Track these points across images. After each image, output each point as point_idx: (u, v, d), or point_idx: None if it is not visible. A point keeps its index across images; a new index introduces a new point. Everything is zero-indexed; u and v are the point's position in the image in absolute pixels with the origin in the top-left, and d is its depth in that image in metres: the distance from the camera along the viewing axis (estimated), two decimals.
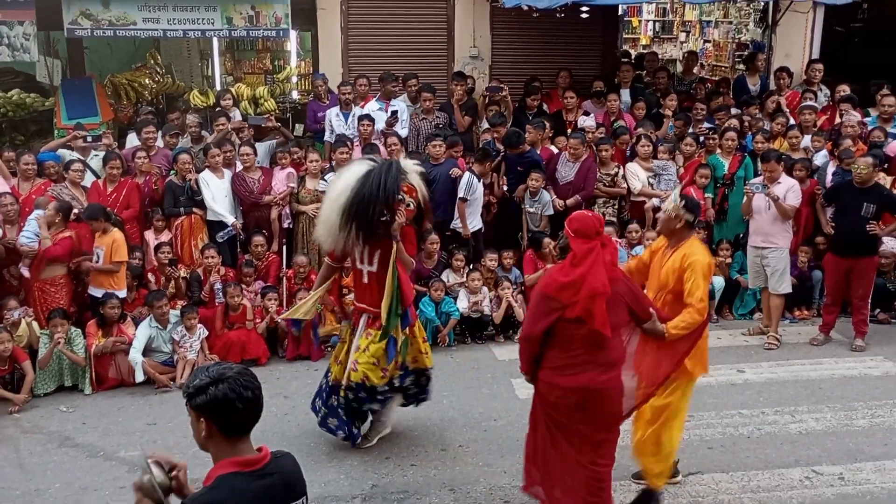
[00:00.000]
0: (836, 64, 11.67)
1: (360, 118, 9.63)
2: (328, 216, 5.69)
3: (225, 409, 2.63)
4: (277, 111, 11.53)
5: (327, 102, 10.40)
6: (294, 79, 13.23)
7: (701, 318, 5.02)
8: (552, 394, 4.69)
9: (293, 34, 12.58)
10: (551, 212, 9.13)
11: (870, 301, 8.32)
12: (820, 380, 7.50)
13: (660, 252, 5.36)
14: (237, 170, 9.08)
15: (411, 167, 5.93)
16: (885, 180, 8.75)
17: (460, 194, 8.91)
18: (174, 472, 2.72)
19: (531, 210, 9.20)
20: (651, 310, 4.87)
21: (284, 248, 9.10)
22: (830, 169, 9.23)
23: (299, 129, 11.33)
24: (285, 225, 9.21)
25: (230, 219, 8.85)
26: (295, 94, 13.08)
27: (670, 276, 5.16)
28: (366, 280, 5.91)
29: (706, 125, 10.02)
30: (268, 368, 7.97)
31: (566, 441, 4.71)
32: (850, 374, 7.64)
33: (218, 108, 10.06)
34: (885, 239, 8.43)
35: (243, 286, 8.38)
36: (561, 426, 4.72)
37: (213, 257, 8.39)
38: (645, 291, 5.24)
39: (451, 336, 8.46)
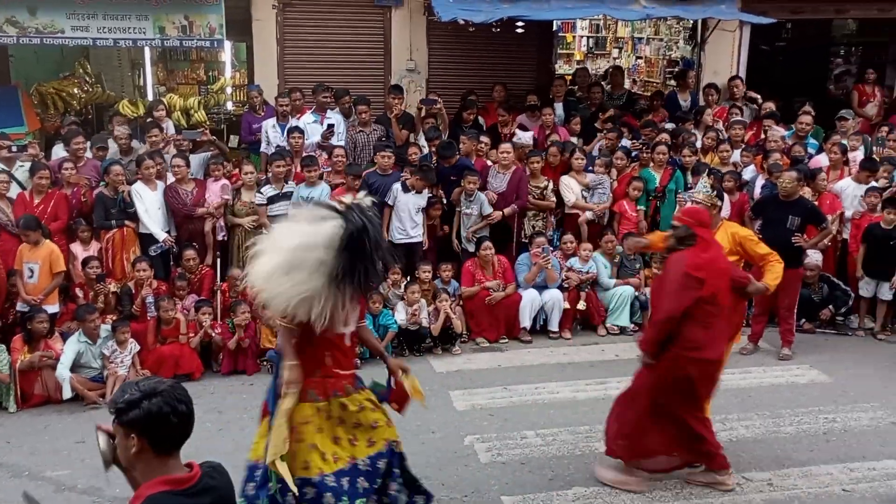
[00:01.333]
0: (763, 81, 12.05)
1: (290, 131, 9.57)
2: (302, 283, 4.36)
3: (158, 425, 2.56)
4: (209, 123, 11.38)
5: (262, 114, 10.30)
6: (228, 90, 13.08)
7: (781, 264, 6.37)
8: (690, 367, 5.40)
9: (228, 45, 12.46)
10: (490, 210, 9.21)
11: (795, 311, 8.57)
12: (749, 388, 7.68)
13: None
14: (170, 182, 8.92)
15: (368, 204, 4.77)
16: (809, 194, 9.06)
17: (386, 199, 8.95)
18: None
19: (468, 212, 9.26)
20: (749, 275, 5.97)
21: (219, 260, 8.97)
22: (759, 182, 9.51)
23: (234, 140, 11.20)
24: (220, 237, 9.08)
25: (161, 235, 8.68)
26: (229, 106, 12.93)
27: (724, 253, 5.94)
28: (348, 343, 4.83)
29: (638, 140, 10.23)
30: (201, 384, 7.82)
31: (682, 404, 5.52)
32: (777, 382, 7.85)
33: (150, 119, 9.88)
34: (809, 252, 8.70)
35: (176, 300, 8.23)
36: (683, 393, 5.48)
37: (144, 270, 8.21)
38: None
39: (388, 349, 8.42)
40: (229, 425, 6.90)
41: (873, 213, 8.95)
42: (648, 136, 10.18)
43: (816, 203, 8.89)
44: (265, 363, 8.07)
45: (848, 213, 9.30)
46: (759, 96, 11.29)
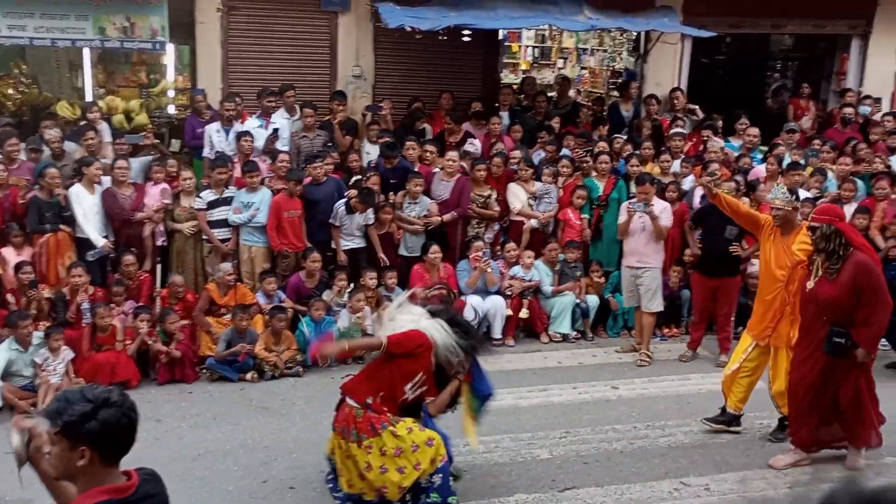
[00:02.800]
0: (703, 94, 12.30)
1: (240, 134, 9.46)
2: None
3: (112, 436, 2.49)
4: (151, 126, 11.17)
5: (206, 118, 10.16)
6: (171, 93, 12.85)
7: None
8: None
9: (170, 47, 12.24)
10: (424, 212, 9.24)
11: (733, 319, 8.74)
12: (688, 395, 7.81)
13: (774, 236, 6.45)
14: (108, 185, 8.72)
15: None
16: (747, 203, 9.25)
17: (333, 222, 8.92)
18: (31, 441, 2.60)
19: (410, 214, 9.26)
20: None
21: (159, 266, 8.80)
22: (698, 193, 9.68)
23: (176, 144, 11.01)
24: (159, 242, 8.91)
25: (100, 240, 8.48)
26: (171, 109, 12.70)
27: (801, 255, 6.23)
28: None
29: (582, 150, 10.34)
30: (138, 392, 7.62)
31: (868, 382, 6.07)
32: (715, 388, 7.93)
33: (84, 122, 9.66)
34: (753, 261, 8.88)
35: (113, 306, 8.04)
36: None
37: (80, 276, 8.01)
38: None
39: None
40: (167, 434, 6.76)
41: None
42: (583, 146, 10.30)
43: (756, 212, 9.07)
44: (205, 371, 7.94)
45: None
46: (698, 108, 11.52)
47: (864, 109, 12.05)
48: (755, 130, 10.59)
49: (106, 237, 8.59)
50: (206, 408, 7.35)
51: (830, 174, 9.86)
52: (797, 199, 6.42)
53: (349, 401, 5.30)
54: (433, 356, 5.35)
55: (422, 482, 5.17)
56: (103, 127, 9.80)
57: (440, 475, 5.19)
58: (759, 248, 6.81)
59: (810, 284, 6.03)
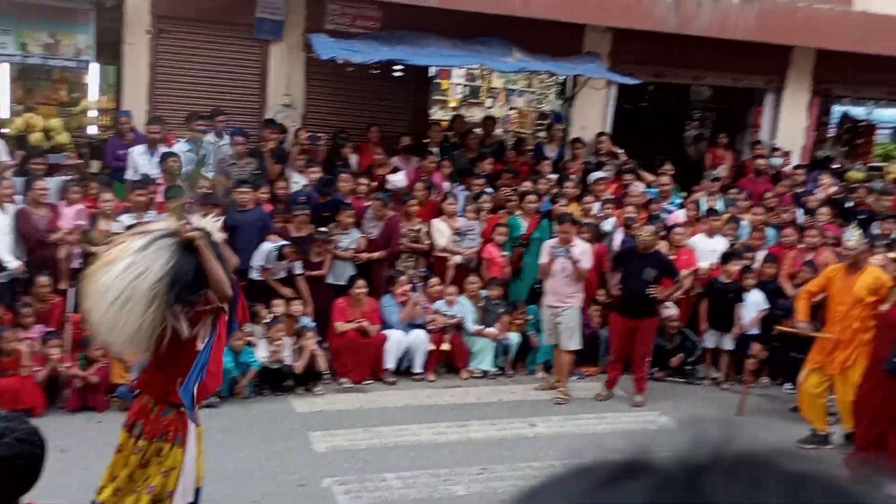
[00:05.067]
0: (627, 139, 12.66)
1: (166, 155, 9.30)
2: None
3: (9, 471, 2.34)
4: (72, 146, 10.87)
5: (129, 140, 9.96)
6: (93, 113, 12.55)
7: None
8: None
9: (95, 67, 11.98)
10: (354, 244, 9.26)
11: (649, 360, 8.94)
12: (603, 433, 7.94)
13: (840, 275, 7.25)
14: (21, 205, 8.46)
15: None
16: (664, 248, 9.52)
17: (262, 263, 8.83)
18: None
19: (341, 245, 9.24)
20: None
21: (74, 290, 8.52)
22: (619, 235, 9.93)
23: (95, 165, 10.75)
24: (75, 265, 8.64)
25: (13, 262, 8.20)
26: (93, 130, 12.41)
27: (865, 292, 7.00)
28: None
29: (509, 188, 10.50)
30: (44, 420, 7.34)
31: None
32: (630, 427, 8.14)
33: None
34: (668, 304, 9.14)
35: (19, 330, 7.75)
36: None
37: None
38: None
39: (250, 387, 8.22)
40: (74, 465, 6.52)
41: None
42: (506, 183, 10.46)
43: (674, 257, 9.35)
44: (116, 399, 7.71)
45: (705, 266, 9.81)
46: (622, 151, 11.84)
47: (776, 161, 12.59)
48: (666, 178, 10.96)
49: (19, 258, 8.30)
50: (115, 437, 7.10)
51: (744, 222, 10.24)
52: (869, 242, 7.17)
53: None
54: None
55: None
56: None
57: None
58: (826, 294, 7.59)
59: (885, 307, 6.79)
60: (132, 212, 8.67)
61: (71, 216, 8.60)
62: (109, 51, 10.88)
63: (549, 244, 8.85)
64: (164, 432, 4.76)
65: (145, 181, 8.96)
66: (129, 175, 9.60)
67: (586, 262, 8.68)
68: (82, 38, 9.66)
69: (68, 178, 9.25)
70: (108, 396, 7.77)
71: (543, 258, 8.77)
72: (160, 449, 4.75)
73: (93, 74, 12.16)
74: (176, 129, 10.25)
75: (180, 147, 9.79)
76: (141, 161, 9.58)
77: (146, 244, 4.52)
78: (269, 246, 8.84)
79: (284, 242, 8.84)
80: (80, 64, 10.04)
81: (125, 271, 4.41)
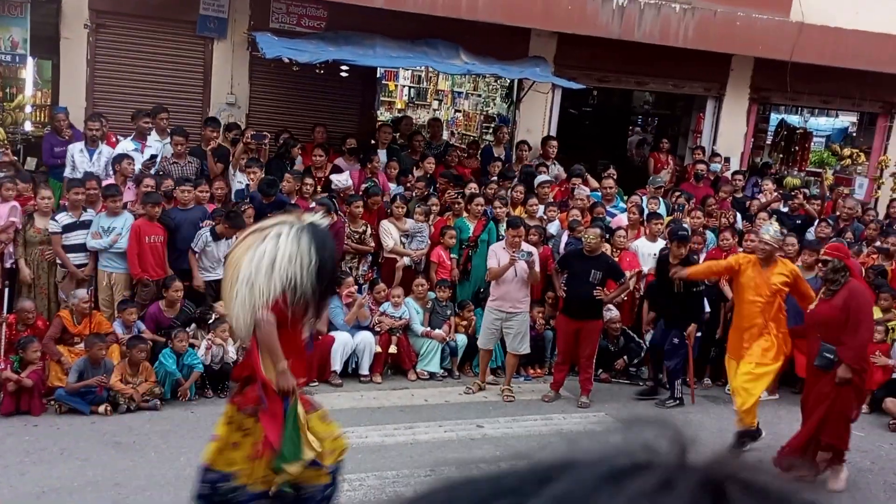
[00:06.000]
0: (571, 143, 12.81)
1: (121, 157, 9.07)
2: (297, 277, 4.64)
3: None
4: (6, 142, 10.56)
5: (67, 137, 9.69)
6: (28, 109, 12.21)
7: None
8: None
9: (31, 61, 11.65)
10: None
11: (594, 361, 9.03)
12: (549, 434, 7.97)
13: (752, 267, 7.37)
14: None
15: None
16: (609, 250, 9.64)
17: (198, 247, 8.73)
18: None
19: None
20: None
21: (7, 290, 8.26)
22: (564, 237, 10.01)
23: (31, 162, 10.44)
24: (8, 265, 8.37)
25: None
26: (28, 126, 12.06)
27: (779, 284, 7.26)
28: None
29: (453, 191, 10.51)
30: None
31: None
32: (576, 428, 8.20)
33: None
34: (610, 307, 9.24)
35: None
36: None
37: None
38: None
39: (192, 389, 8.06)
40: (7, 471, 6.31)
41: None
42: (445, 186, 10.49)
43: (617, 259, 9.47)
44: (53, 403, 7.48)
45: (644, 270, 9.95)
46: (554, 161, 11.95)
47: (715, 167, 12.87)
48: (610, 182, 11.11)
49: None
50: (52, 442, 6.91)
51: (686, 225, 10.41)
52: (785, 236, 7.24)
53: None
54: None
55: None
56: None
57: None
58: (732, 284, 7.92)
59: (811, 307, 7.00)
60: (69, 210, 8.43)
61: (4, 213, 8.31)
62: (46, 45, 10.59)
63: (497, 248, 8.86)
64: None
65: (81, 179, 8.70)
66: (68, 173, 9.35)
67: (537, 266, 8.74)
68: (17, 31, 9.39)
69: (2, 174, 8.96)
70: (44, 400, 7.53)
71: (493, 261, 8.75)
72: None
73: (28, 69, 11.85)
74: (116, 126, 10.00)
75: (126, 145, 9.56)
76: (80, 158, 9.33)
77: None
78: (202, 230, 8.72)
79: (214, 224, 8.73)
80: (14, 58, 9.74)
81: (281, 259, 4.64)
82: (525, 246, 8.69)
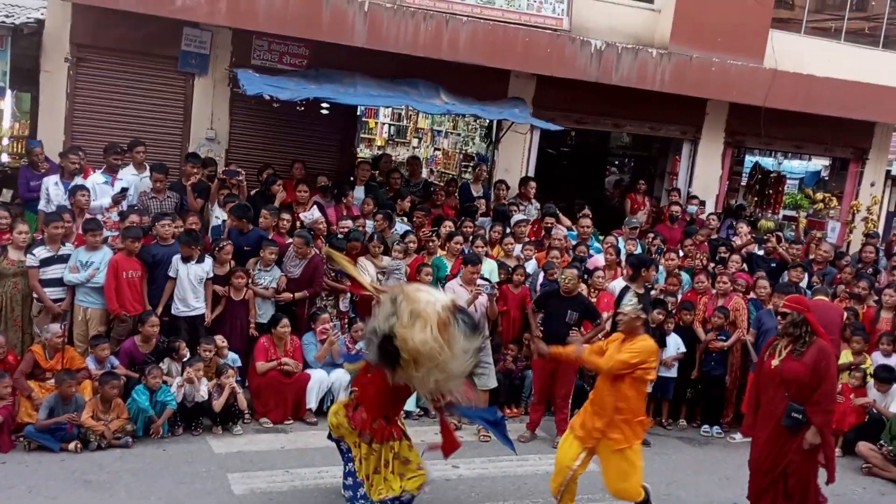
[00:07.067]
0: (548, 182, 12.92)
1: (76, 188, 9.05)
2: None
3: None
4: None
5: (43, 170, 9.65)
6: (5, 141, 12.17)
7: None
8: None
9: (9, 93, 11.62)
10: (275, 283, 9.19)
11: (570, 401, 9.02)
12: (525, 475, 7.94)
13: (613, 344, 6.63)
14: None
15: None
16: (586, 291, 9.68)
17: (169, 273, 8.72)
18: None
19: (261, 282, 9.09)
20: None
21: None
22: (540, 277, 10.05)
23: (7, 194, 10.37)
24: None
25: None
26: (5, 157, 12.01)
27: (623, 360, 6.41)
28: None
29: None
30: None
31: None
32: (552, 469, 8.14)
33: None
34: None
35: None
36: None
37: None
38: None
39: (165, 427, 7.96)
40: None
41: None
42: (421, 222, 10.55)
43: (595, 300, 9.51)
44: (22, 440, 7.36)
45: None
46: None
47: (691, 209, 13.03)
48: (587, 221, 11.19)
49: None
50: (20, 480, 6.79)
51: (661, 267, 10.51)
52: (643, 309, 6.65)
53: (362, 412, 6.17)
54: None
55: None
56: None
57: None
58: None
59: (775, 363, 6.67)
60: (47, 244, 8.36)
61: None
62: (25, 78, 10.58)
63: (453, 285, 8.97)
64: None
65: (59, 213, 8.65)
66: (42, 206, 9.31)
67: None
68: None
69: None
70: (13, 437, 7.40)
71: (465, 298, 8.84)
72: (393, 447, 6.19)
73: (7, 101, 11.83)
74: (94, 160, 9.98)
75: (96, 178, 9.52)
76: (54, 191, 9.29)
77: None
78: (175, 257, 8.72)
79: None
80: None
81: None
82: (480, 280, 8.79)
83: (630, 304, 6.63)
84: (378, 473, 6.19)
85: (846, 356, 9.71)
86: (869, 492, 8.40)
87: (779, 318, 7.14)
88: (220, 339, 8.62)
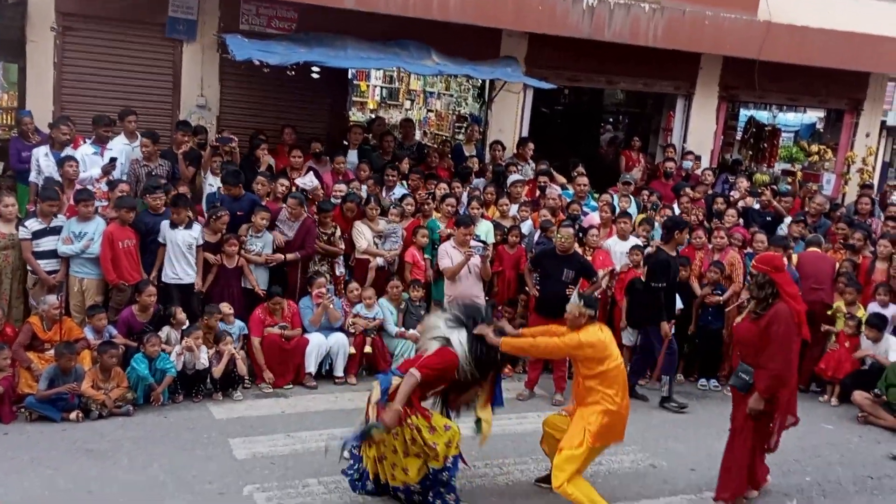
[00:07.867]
0: (542, 141, 12.85)
1: (64, 159, 8.99)
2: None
3: None
4: None
5: (34, 141, 9.58)
6: None
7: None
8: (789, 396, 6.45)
9: None
10: (270, 250, 9.18)
11: (568, 359, 9.07)
12: (525, 433, 7.99)
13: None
14: None
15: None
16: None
17: (160, 239, 8.70)
18: None
19: (252, 248, 9.09)
20: None
21: None
22: (536, 237, 10.05)
23: None
24: None
25: None
26: None
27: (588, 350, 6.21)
28: None
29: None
30: None
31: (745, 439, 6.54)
32: None
33: None
34: None
35: None
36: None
37: None
38: None
39: (165, 394, 8.01)
40: None
41: (637, 268, 9.71)
42: (417, 185, 10.54)
43: (590, 258, 9.52)
44: (23, 411, 7.40)
45: (617, 268, 10.01)
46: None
47: (687, 164, 12.99)
48: (584, 179, 11.16)
49: None
50: (22, 451, 6.84)
51: (657, 223, 10.50)
52: (586, 305, 6.21)
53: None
54: (456, 371, 6.09)
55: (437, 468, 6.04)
56: None
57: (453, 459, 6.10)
58: None
59: (738, 320, 6.68)
60: (39, 217, 8.33)
61: None
62: (11, 48, 10.47)
63: (447, 247, 9.04)
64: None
65: (52, 189, 8.58)
66: (33, 177, 9.25)
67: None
68: None
69: None
70: (14, 408, 7.44)
71: (446, 261, 8.99)
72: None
73: None
74: (84, 129, 9.90)
75: (86, 149, 9.46)
76: (45, 163, 9.23)
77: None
78: (164, 223, 8.71)
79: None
80: None
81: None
82: (473, 242, 8.87)
83: (574, 304, 6.30)
84: (385, 460, 6.14)
85: (840, 307, 9.76)
86: (864, 440, 8.49)
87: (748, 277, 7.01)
88: (226, 307, 8.64)
